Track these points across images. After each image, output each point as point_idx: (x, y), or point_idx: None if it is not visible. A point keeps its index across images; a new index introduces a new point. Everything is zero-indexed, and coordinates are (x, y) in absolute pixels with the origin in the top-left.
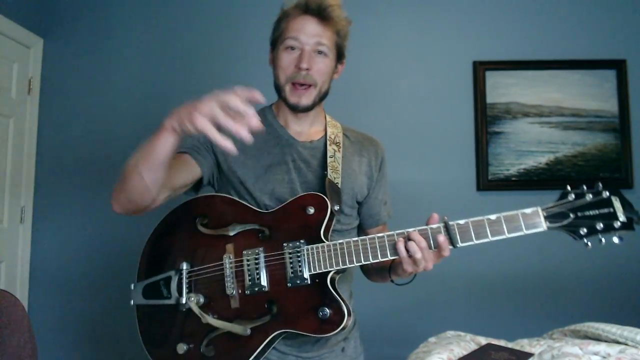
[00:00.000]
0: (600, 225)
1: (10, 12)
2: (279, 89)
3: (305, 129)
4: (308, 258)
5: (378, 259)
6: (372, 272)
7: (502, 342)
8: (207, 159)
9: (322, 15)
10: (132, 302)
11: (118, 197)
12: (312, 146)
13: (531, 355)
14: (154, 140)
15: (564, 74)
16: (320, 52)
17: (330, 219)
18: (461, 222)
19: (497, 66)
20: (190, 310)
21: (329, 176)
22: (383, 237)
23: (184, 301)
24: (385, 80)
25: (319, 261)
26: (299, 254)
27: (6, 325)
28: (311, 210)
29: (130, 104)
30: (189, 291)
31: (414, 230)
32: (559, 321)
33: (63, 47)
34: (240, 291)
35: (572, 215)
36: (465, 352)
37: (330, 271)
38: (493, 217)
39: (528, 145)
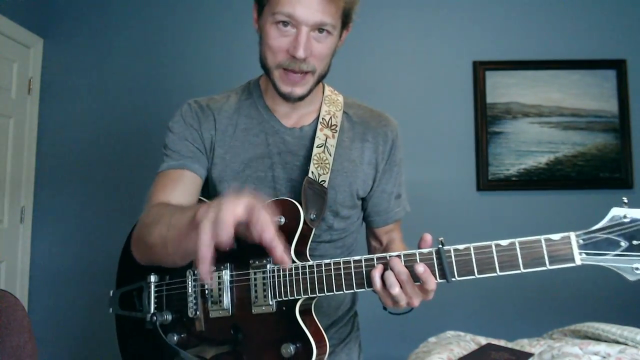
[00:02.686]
0: None
1: (10, 12)
2: (266, 70)
3: (295, 111)
4: (273, 281)
5: (353, 289)
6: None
7: (502, 342)
8: (202, 159)
9: None
10: (110, 310)
11: (143, 258)
12: (302, 134)
13: (531, 355)
14: (188, 243)
15: (564, 74)
16: (321, 30)
17: (307, 231)
18: (460, 247)
19: (497, 66)
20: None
21: (310, 174)
22: (360, 261)
23: (147, 318)
24: (385, 80)
25: (284, 286)
26: (264, 275)
27: (6, 325)
28: (282, 221)
29: (130, 104)
30: (157, 307)
31: (397, 256)
32: (559, 321)
33: (63, 47)
34: (204, 312)
35: (623, 244)
36: (465, 352)
37: (298, 299)
38: (504, 242)
39: (528, 145)
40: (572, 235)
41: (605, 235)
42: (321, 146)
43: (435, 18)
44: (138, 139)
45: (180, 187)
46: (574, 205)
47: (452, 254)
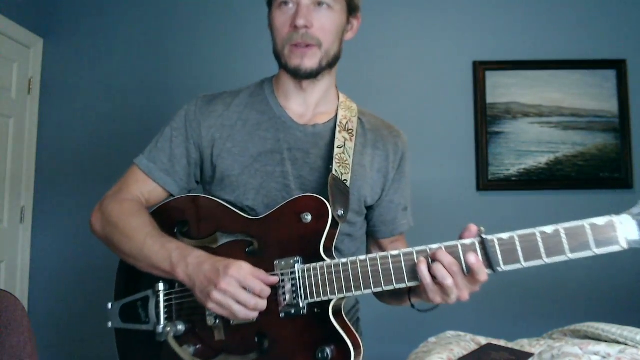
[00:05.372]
0: None
1: (10, 12)
2: (278, 56)
3: (309, 109)
4: (304, 282)
5: (393, 285)
6: (384, 293)
7: (502, 342)
8: (179, 174)
9: None
10: (109, 324)
11: (103, 240)
12: (315, 131)
13: (531, 355)
14: (159, 269)
15: (564, 74)
16: (321, 4)
17: (333, 229)
18: (504, 236)
19: (497, 66)
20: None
21: (334, 172)
22: (399, 255)
23: (160, 330)
24: (385, 80)
25: (317, 286)
26: (292, 276)
27: (6, 325)
28: (308, 218)
29: (130, 104)
30: (167, 317)
31: (440, 248)
32: (559, 321)
33: (63, 47)
34: (224, 320)
35: None
36: (465, 352)
37: (332, 300)
38: (549, 229)
39: (528, 145)
40: (614, 218)
41: None
42: (341, 147)
43: (435, 18)
44: (138, 139)
45: (144, 193)
46: (574, 205)
47: (497, 243)
